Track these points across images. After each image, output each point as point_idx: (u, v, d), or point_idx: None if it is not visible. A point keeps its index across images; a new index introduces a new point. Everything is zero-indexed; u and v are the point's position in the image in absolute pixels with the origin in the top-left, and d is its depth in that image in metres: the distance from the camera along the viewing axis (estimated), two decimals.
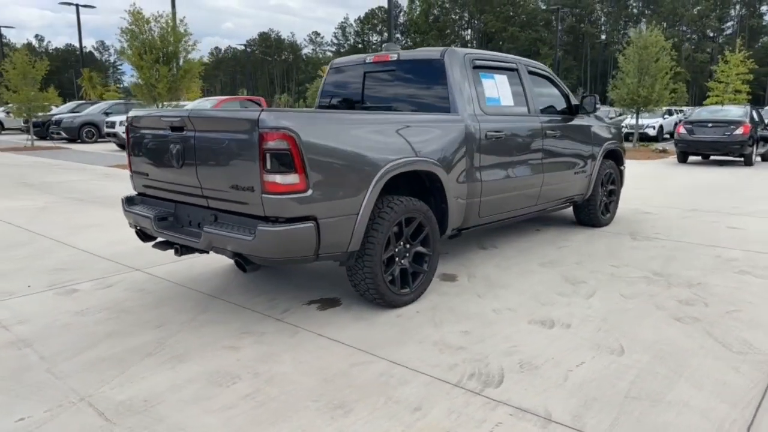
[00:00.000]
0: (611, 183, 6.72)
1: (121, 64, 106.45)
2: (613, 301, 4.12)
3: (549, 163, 5.43)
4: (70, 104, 27.46)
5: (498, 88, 4.93)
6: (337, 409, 2.65)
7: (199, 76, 18.14)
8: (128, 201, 4.34)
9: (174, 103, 16.42)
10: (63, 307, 4.01)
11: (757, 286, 4.46)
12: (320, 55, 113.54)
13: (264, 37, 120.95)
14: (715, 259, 5.27)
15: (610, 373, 3.00)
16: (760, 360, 3.15)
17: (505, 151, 4.88)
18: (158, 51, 16.34)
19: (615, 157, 6.77)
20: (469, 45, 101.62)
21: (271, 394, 2.79)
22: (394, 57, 4.94)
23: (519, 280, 4.63)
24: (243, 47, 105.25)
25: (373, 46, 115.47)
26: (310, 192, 3.29)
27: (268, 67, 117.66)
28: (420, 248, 4.13)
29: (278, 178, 3.20)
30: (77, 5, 34.58)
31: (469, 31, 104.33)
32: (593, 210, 6.42)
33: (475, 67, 4.76)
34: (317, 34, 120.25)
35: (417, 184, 4.27)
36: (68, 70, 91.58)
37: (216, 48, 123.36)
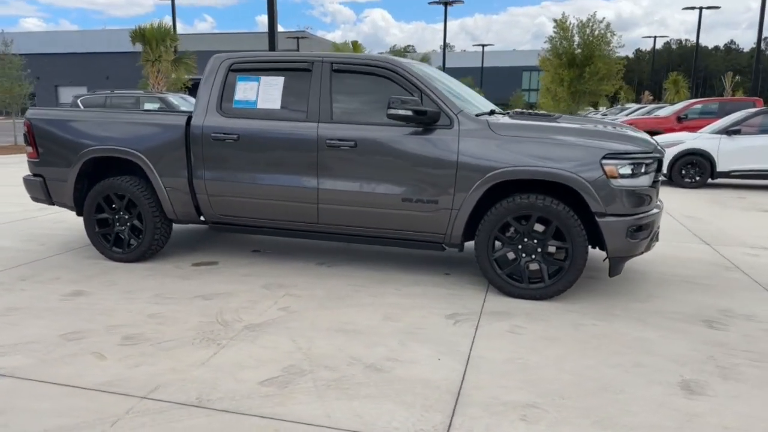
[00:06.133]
0: (557, 237, 4.21)
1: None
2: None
3: (333, 179, 4.61)
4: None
5: (260, 91, 4.75)
6: None
7: (617, 77, 15.88)
8: None
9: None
10: None
11: None
12: None
13: None
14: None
15: None
16: None
17: (241, 155, 4.81)
18: (569, 55, 16.12)
19: (564, 193, 4.21)
20: None
21: None
22: None
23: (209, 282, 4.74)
24: None
25: None
26: (39, 159, 5.35)
27: None
28: (137, 222, 5.18)
29: (27, 148, 5.44)
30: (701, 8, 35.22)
31: None
32: (481, 260, 4.37)
33: (235, 70, 4.85)
34: None
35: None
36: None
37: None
